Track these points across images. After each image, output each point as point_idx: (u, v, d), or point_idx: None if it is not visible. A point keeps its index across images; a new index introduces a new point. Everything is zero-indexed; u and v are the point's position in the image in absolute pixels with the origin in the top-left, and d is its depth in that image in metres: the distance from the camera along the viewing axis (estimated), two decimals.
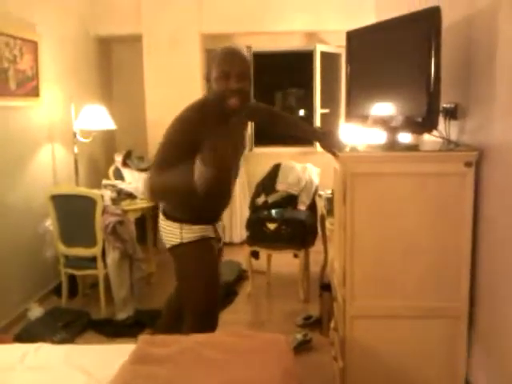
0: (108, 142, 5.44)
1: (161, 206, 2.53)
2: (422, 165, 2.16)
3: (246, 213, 4.67)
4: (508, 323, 1.91)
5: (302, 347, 3.17)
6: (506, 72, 1.91)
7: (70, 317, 3.62)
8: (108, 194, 3.92)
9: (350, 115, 2.65)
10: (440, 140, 2.36)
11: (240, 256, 4.50)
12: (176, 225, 2.36)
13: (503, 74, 1.92)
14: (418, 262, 2.19)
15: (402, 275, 2.21)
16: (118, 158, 4.90)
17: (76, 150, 4.44)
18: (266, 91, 6.69)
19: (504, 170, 1.91)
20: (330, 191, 3.62)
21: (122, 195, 4.17)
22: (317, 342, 3.25)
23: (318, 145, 5.64)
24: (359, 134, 2.75)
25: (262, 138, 5.89)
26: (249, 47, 5.46)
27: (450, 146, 2.29)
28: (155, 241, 4.56)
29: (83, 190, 3.88)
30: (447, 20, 2.16)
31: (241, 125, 2.45)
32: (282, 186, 4.29)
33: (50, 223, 3.79)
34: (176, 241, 2.36)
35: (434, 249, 2.18)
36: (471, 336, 2.23)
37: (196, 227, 2.36)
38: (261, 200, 4.23)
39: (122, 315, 3.66)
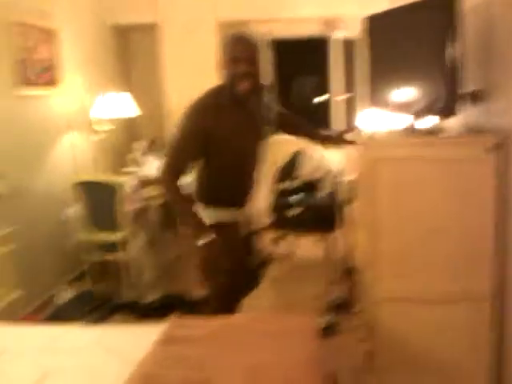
0: (128, 129, 5.49)
1: None
2: (443, 150, 2.16)
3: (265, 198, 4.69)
4: None
5: (328, 330, 3.19)
6: None
7: (97, 301, 3.72)
8: (131, 181, 3.98)
9: (373, 100, 2.66)
10: (463, 125, 2.36)
11: (263, 241, 4.51)
12: (201, 207, 2.44)
13: None
14: (442, 245, 2.20)
15: (427, 258, 2.22)
16: (141, 146, 4.95)
17: (96, 137, 4.50)
18: (283, 78, 6.65)
19: None
20: (351, 177, 3.62)
21: (146, 182, 4.22)
22: (343, 325, 3.28)
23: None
24: (382, 119, 2.75)
25: None
26: (267, 33, 5.43)
27: (472, 130, 2.29)
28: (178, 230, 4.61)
29: (106, 178, 3.95)
30: (468, 2, 2.15)
31: (260, 109, 2.46)
32: (303, 172, 4.31)
33: (73, 210, 3.87)
34: None
35: (457, 231, 2.18)
36: (502, 320, 2.24)
37: (210, 210, 2.42)
38: (283, 186, 4.26)
39: (148, 298, 3.73)
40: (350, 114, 5.60)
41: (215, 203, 2.44)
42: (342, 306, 3.51)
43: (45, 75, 3.92)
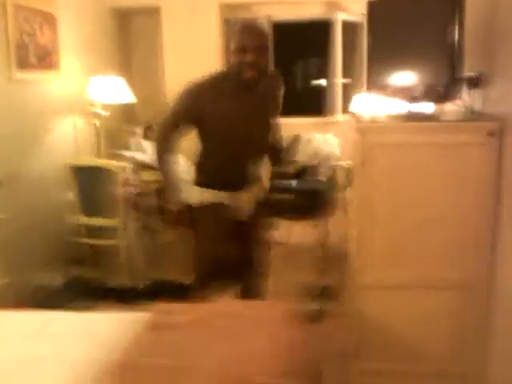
0: (128, 113, 5.43)
1: None
2: (442, 135, 2.12)
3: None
4: None
5: (316, 317, 3.18)
6: None
7: (89, 285, 3.70)
8: (128, 166, 3.93)
9: (371, 85, 2.60)
10: (462, 110, 2.30)
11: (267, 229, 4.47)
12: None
13: None
14: (437, 233, 2.17)
15: (420, 245, 2.20)
16: (139, 130, 4.90)
17: (94, 122, 4.46)
18: (285, 61, 6.58)
19: None
20: (349, 162, 3.58)
21: (142, 167, 4.18)
22: (331, 312, 3.26)
23: (338, 114, 5.61)
24: (380, 104, 2.70)
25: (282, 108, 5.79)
26: (268, 17, 5.35)
27: (472, 115, 2.23)
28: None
29: (103, 162, 3.92)
30: None
31: (266, 98, 2.45)
32: (301, 156, 4.26)
33: (68, 194, 3.83)
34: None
35: (453, 219, 2.15)
36: (489, 308, 2.21)
37: (202, 190, 2.49)
38: (280, 171, 4.21)
39: (139, 285, 3.71)
40: (348, 99, 5.53)
41: (204, 183, 2.50)
42: (332, 293, 3.49)
43: (44, 59, 3.87)
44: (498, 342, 2.15)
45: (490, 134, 2.02)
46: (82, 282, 3.77)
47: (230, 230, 2.55)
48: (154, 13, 5.16)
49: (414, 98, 2.23)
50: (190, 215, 2.50)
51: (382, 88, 2.43)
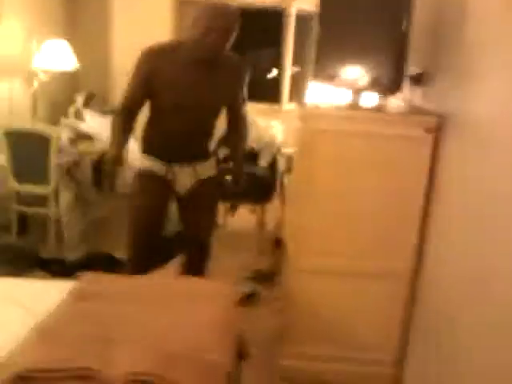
0: (70, 80, 5.21)
1: None
2: (382, 126, 2.16)
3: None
4: (446, 288, 1.96)
5: (249, 300, 3.20)
6: (469, 41, 1.90)
7: (18, 253, 3.57)
8: (65, 134, 3.80)
9: (317, 74, 2.62)
10: (404, 104, 2.36)
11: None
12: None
13: (467, 43, 1.92)
14: (368, 222, 2.23)
15: (351, 233, 2.24)
16: (80, 99, 4.73)
17: (35, 86, 4.26)
18: (237, 50, 6.51)
19: (463, 138, 1.93)
20: (291, 149, 3.60)
21: (80, 136, 4.05)
22: (265, 296, 3.29)
23: (285, 103, 5.65)
24: (326, 94, 2.72)
25: None
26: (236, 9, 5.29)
27: (413, 110, 2.29)
28: (113, 185, 4.47)
29: (39, 127, 3.75)
30: None
31: (225, 78, 2.43)
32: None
33: (3, 159, 3.66)
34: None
35: (385, 210, 2.21)
36: (414, 298, 2.30)
37: (144, 157, 2.50)
38: (221, 155, 4.18)
39: (72, 256, 3.61)
40: (297, 88, 5.57)
41: (146, 150, 2.51)
42: (267, 277, 3.52)
43: None
44: (420, 332, 2.24)
45: (428, 129, 2.08)
46: (10, 249, 3.62)
47: (164, 201, 2.54)
48: None
49: (358, 89, 2.26)
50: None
51: (328, 77, 2.46)
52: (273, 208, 4.25)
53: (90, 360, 1.46)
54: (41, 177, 3.57)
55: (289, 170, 3.54)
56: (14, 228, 3.76)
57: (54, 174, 3.53)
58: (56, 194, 3.58)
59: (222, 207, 4.20)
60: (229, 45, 2.30)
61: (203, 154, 2.59)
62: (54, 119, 4.58)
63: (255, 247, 4.05)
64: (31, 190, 3.63)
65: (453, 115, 2.02)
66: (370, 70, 2.22)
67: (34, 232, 4.01)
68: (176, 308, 1.76)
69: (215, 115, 2.54)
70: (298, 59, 5.71)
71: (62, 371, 1.42)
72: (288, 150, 3.75)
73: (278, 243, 3.38)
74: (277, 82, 5.87)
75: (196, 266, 2.69)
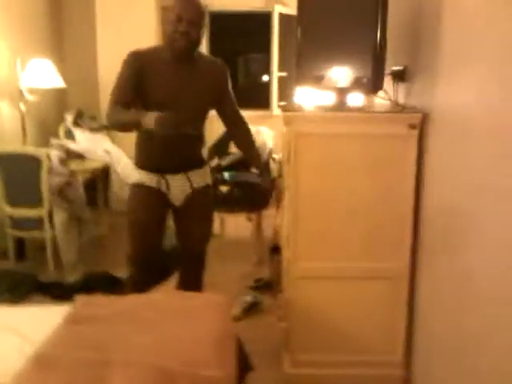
0: (59, 99, 5.22)
1: None
2: (366, 126, 2.15)
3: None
4: (445, 284, 1.95)
5: (251, 309, 3.18)
6: (449, 37, 1.90)
7: (17, 279, 3.53)
8: (55, 154, 3.77)
9: (301, 77, 2.61)
10: (388, 102, 2.35)
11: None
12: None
13: (447, 39, 1.91)
14: (360, 223, 2.21)
15: (345, 236, 2.22)
16: (69, 118, 4.72)
17: (23, 107, 4.26)
18: (226, 56, 6.50)
19: (447, 132, 1.92)
20: (281, 153, 3.59)
21: (71, 155, 4.04)
22: (266, 305, 3.27)
23: (274, 108, 5.66)
24: (311, 96, 2.71)
25: None
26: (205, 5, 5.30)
27: (397, 108, 2.28)
28: (107, 202, 4.47)
29: (28, 149, 3.75)
30: None
31: (199, 81, 2.43)
32: (235, 148, 4.23)
33: None
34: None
35: (377, 209, 2.19)
36: (414, 298, 2.28)
37: (136, 171, 2.48)
38: (214, 163, 4.17)
39: (70, 278, 3.59)
40: (284, 92, 5.57)
41: (139, 163, 2.50)
42: (267, 286, 3.49)
43: None
44: (420, 332, 2.22)
45: (412, 126, 2.07)
46: (8, 276, 3.59)
47: (161, 215, 2.52)
48: None
49: (342, 90, 2.25)
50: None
51: (311, 81, 2.45)
52: (270, 215, 4.23)
53: None
54: (34, 199, 3.56)
55: (279, 174, 3.53)
56: (12, 253, 3.74)
57: (46, 196, 3.51)
58: (50, 215, 3.56)
59: (217, 216, 4.20)
60: (200, 39, 2.36)
61: (196, 161, 2.55)
62: (44, 140, 4.58)
63: (254, 255, 4.04)
64: (25, 213, 3.62)
65: (434, 110, 2.02)
66: (350, 71, 2.21)
67: (32, 256, 3.99)
68: (172, 325, 1.75)
69: (200, 117, 2.53)
70: (286, 63, 5.71)
71: None
72: (279, 156, 3.74)
73: (275, 250, 3.36)
74: (267, 87, 5.87)
75: (191, 277, 2.67)
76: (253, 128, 4.35)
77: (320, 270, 2.27)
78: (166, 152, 2.42)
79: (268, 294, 3.40)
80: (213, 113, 2.62)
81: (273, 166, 4.10)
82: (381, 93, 2.29)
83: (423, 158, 2.12)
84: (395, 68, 2.34)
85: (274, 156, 4.02)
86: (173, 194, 2.49)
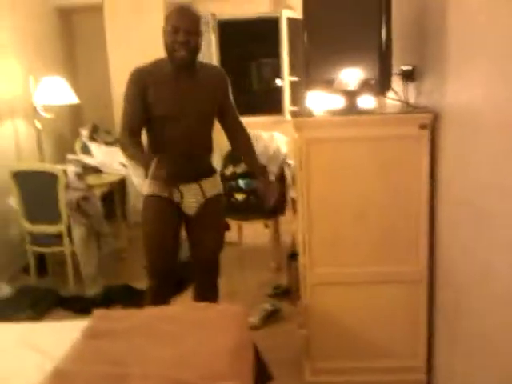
0: (74, 115, 5.30)
1: None
2: (377, 128, 2.13)
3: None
4: (465, 285, 1.91)
5: (270, 317, 3.17)
6: (454, 34, 1.87)
7: (39, 295, 3.58)
8: (72, 169, 3.82)
9: (310, 82, 2.60)
10: (399, 103, 2.33)
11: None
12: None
13: (453, 36, 1.89)
14: (375, 227, 2.18)
15: (359, 240, 2.20)
16: (85, 133, 4.78)
17: (39, 125, 4.33)
18: (238, 62, 6.53)
19: (457, 130, 1.89)
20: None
21: (88, 170, 4.08)
22: (286, 312, 3.25)
23: (287, 113, 5.64)
24: (322, 101, 2.70)
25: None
26: (213, 15, 5.34)
27: (407, 108, 2.25)
28: (125, 215, 4.50)
29: (44, 166, 3.80)
30: None
31: (201, 89, 2.44)
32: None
33: (13, 200, 3.71)
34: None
35: (391, 213, 2.17)
36: (434, 300, 2.24)
37: (150, 182, 2.45)
38: (229, 171, 4.17)
39: (91, 292, 3.62)
40: (297, 97, 5.55)
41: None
42: (286, 293, 3.47)
43: None
44: (442, 336, 2.18)
45: (422, 126, 2.04)
46: (30, 292, 3.64)
47: (175, 225, 2.51)
48: (97, 10, 5.04)
49: (351, 93, 2.24)
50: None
51: (320, 85, 2.43)
52: (287, 220, 4.22)
53: None
54: (52, 215, 3.60)
55: (293, 180, 3.52)
56: (33, 269, 3.79)
57: (64, 211, 3.55)
58: (67, 230, 3.60)
59: (234, 224, 4.20)
60: (199, 47, 2.38)
61: (207, 170, 2.57)
62: (61, 156, 4.64)
63: (272, 262, 4.02)
64: (45, 229, 3.66)
65: (444, 109, 1.99)
66: (358, 73, 2.19)
67: (53, 271, 4.04)
68: (188, 337, 1.75)
69: (206, 125, 2.53)
70: (298, 67, 5.70)
71: None
72: (293, 161, 3.73)
73: (293, 257, 3.34)
74: (280, 91, 5.86)
75: (206, 287, 2.66)
76: (266, 133, 4.38)
77: (336, 276, 2.25)
78: (176, 160, 2.40)
79: (287, 301, 3.38)
80: None
81: (287, 172, 4.08)
82: (391, 94, 2.26)
83: (435, 158, 2.09)
84: (404, 67, 2.31)
85: (289, 162, 4.00)
86: (186, 204, 2.49)
